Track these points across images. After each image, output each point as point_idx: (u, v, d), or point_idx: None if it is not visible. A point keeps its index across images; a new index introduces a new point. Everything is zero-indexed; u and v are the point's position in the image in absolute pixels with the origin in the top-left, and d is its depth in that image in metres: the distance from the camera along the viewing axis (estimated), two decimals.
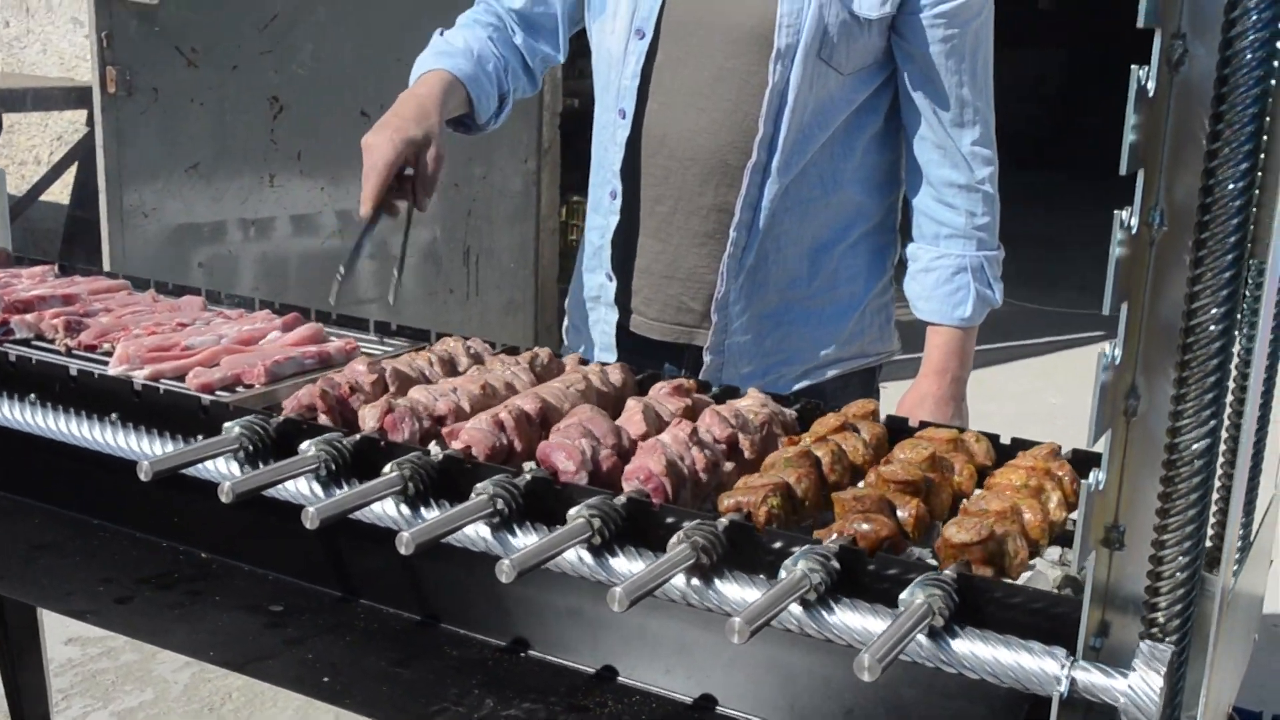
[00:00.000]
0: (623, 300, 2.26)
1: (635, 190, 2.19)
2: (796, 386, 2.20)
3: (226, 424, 1.48)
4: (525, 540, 1.30)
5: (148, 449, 1.57)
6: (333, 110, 4.82)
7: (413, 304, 5.13)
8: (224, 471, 1.47)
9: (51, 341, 1.90)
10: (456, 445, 1.47)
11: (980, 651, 1.11)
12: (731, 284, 2.13)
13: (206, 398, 1.60)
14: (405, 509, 1.38)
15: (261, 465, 1.47)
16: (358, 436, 1.46)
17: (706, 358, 2.17)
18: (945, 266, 2.13)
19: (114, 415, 1.63)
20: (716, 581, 1.21)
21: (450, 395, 1.59)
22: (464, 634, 1.44)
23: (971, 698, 1.17)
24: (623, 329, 2.27)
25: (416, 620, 1.47)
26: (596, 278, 2.29)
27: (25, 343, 1.89)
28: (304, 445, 1.43)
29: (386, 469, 1.38)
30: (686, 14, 2.09)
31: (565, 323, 2.48)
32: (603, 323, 2.29)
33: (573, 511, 1.27)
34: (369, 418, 1.53)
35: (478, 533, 1.31)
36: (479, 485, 1.33)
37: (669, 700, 1.32)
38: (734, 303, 2.14)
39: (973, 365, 2.23)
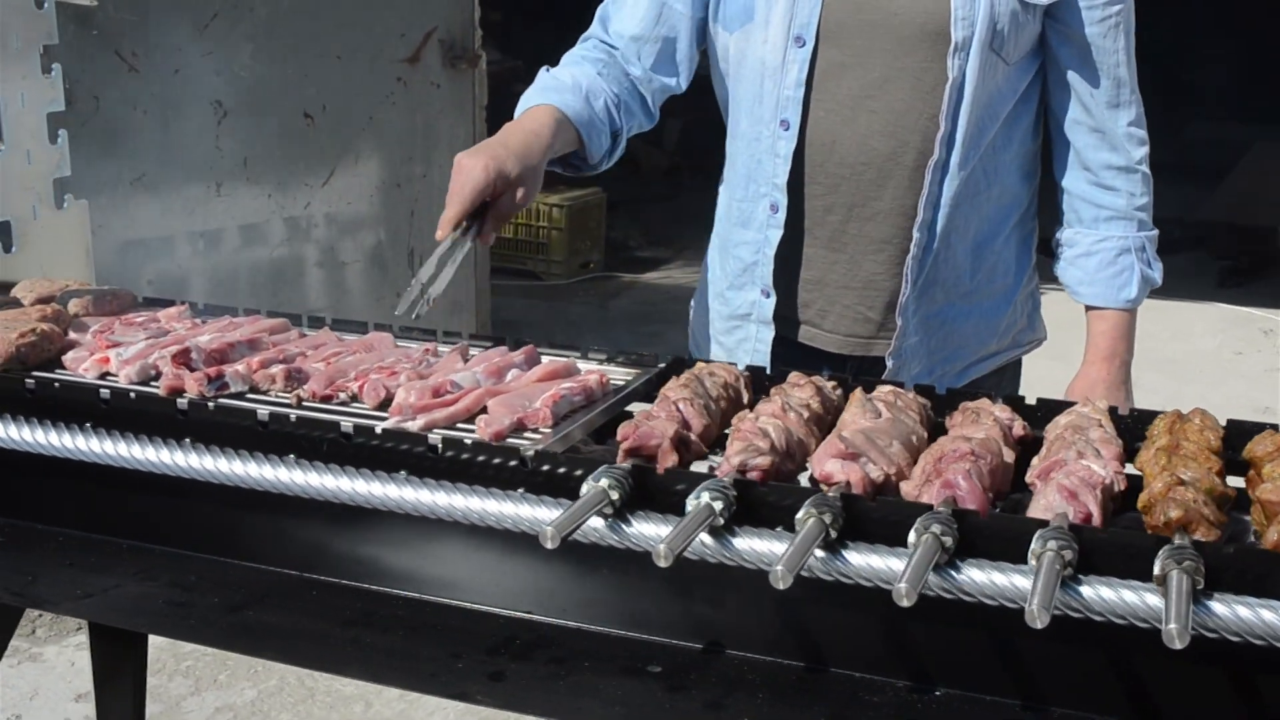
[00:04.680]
0: (786, 314, 2.21)
1: (799, 202, 2.14)
2: (959, 384, 2.20)
3: (591, 476, 1.39)
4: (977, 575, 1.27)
5: (464, 505, 1.46)
6: (276, 113, 4.58)
7: (361, 311, 4.92)
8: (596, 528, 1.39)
9: (265, 393, 1.75)
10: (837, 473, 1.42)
11: None
12: (912, 287, 2.11)
13: (526, 447, 1.50)
14: (821, 553, 1.32)
15: (625, 519, 1.39)
16: (728, 480, 1.39)
17: (889, 362, 2.15)
18: (1108, 249, 2.14)
19: (403, 472, 1.52)
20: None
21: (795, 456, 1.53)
22: (860, 677, 1.40)
23: None
24: (779, 342, 2.22)
25: (801, 666, 1.42)
26: (747, 295, 2.23)
27: (239, 396, 1.74)
28: (696, 496, 1.35)
29: (800, 515, 1.32)
30: (848, 16, 2.05)
31: (689, 343, 2.41)
32: (753, 340, 2.24)
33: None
34: (733, 461, 1.45)
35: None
36: (914, 527, 1.30)
37: None
38: (910, 304, 2.13)
39: None
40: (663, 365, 1.85)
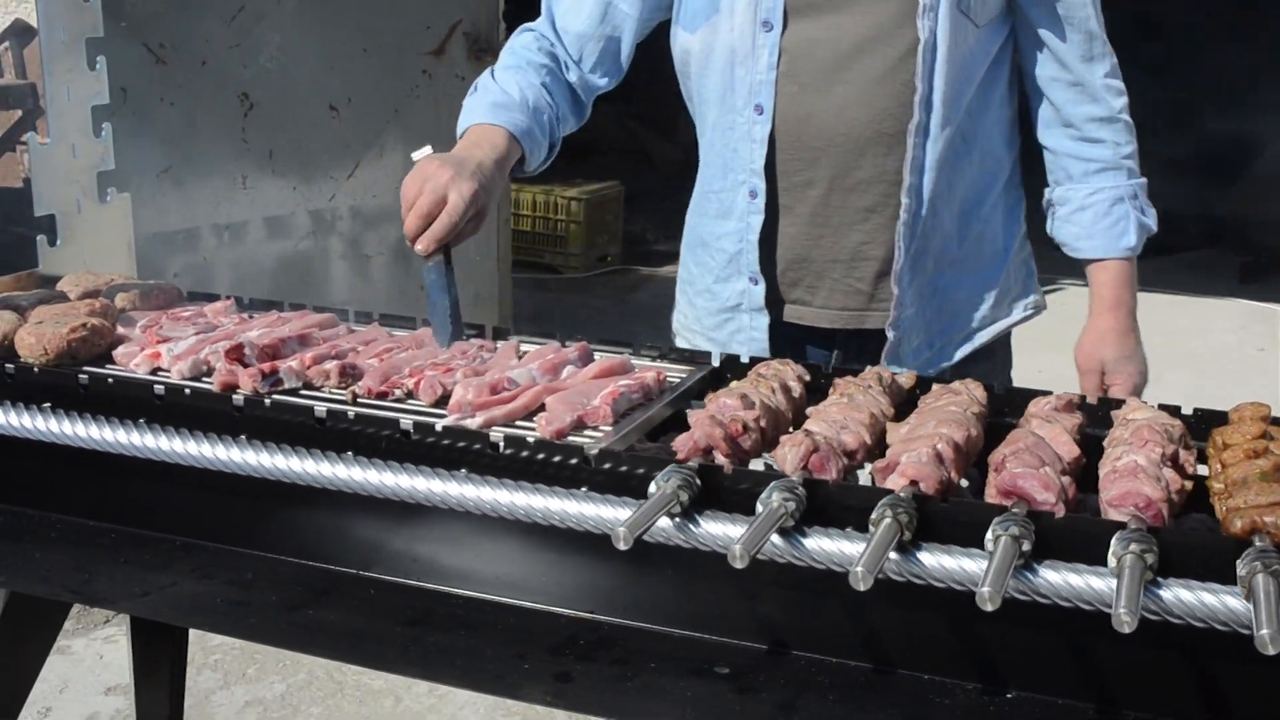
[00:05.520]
0: (772, 296, 2.20)
1: (777, 182, 2.13)
2: (960, 354, 2.20)
3: (660, 476, 1.38)
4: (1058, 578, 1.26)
5: (532, 504, 1.45)
6: (302, 105, 4.57)
7: (386, 304, 4.91)
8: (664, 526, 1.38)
9: (319, 389, 1.74)
10: (897, 482, 1.40)
11: None
12: (905, 254, 2.10)
13: (589, 445, 1.48)
14: (895, 555, 1.31)
15: (694, 519, 1.38)
16: (797, 479, 1.38)
17: (890, 334, 2.13)
18: (1102, 200, 2.14)
19: (463, 470, 1.50)
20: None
21: (850, 428, 1.52)
22: (929, 679, 1.38)
23: None
24: (773, 328, 2.21)
25: (869, 668, 1.41)
26: (735, 285, 2.22)
27: (292, 393, 1.73)
28: (767, 496, 1.34)
29: (875, 516, 1.31)
30: None
31: (676, 340, 2.38)
32: (748, 329, 2.22)
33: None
34: (790, 459, 1.45)
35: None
36: (991, 529, 1.28)
37: None
38: (905, 273, 2.11)
39: None
40: (717, 364, 1.84)
